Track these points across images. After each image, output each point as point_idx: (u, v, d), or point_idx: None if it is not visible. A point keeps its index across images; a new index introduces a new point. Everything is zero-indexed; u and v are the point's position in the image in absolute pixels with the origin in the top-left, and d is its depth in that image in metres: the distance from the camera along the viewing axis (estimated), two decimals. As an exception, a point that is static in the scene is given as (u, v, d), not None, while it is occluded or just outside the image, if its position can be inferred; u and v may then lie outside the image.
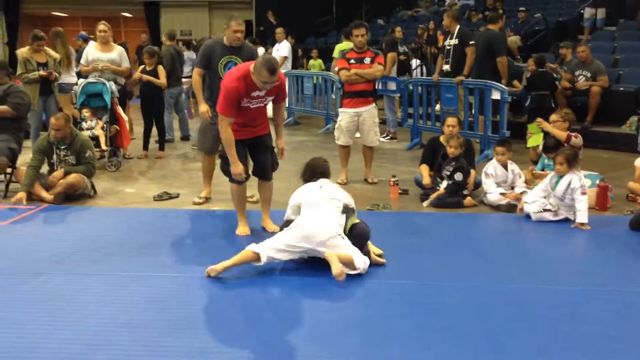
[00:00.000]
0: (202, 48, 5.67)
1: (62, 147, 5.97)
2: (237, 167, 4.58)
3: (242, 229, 4.84)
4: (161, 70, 8.16)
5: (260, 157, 4.88)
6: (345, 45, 12.48)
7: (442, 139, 6.11)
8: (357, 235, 4.12)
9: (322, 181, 4.37)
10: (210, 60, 5.48)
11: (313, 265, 4.07)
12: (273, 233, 4.44)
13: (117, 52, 7.76)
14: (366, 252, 4.06)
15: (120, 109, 7.67)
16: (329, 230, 3.93)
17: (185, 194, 6.14)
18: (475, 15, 15.39)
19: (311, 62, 13.13)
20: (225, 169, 4.74)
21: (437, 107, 8.67)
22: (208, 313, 3.44)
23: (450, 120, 6.11)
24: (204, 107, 5.53)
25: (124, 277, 3.91)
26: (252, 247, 3.95)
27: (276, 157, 4.97)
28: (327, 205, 4.10)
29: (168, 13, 25.74)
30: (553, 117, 6.08)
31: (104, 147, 7.26)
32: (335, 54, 12.28)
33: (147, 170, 7.39)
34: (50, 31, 8.31)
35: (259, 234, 4.80)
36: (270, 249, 3.93)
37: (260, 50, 11.52)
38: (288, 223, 4.23)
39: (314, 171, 4.47)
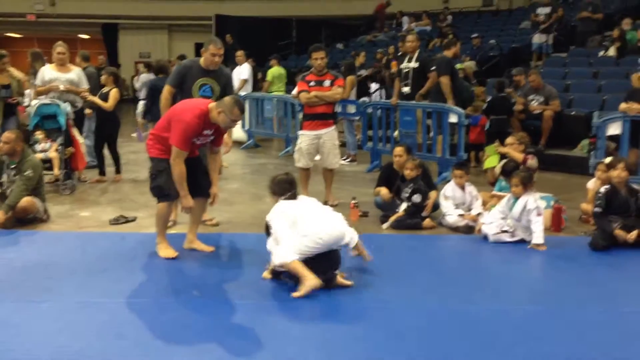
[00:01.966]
0: (177, 67, 5.60)
1: (12, 167, 5.80)
2: (188, 201, 4.59)
3: (167, 251, 4.74)
4: (113, 92, 7.80)
5: (192, 175, 4.81)
6: (276, 70, 12.59)
7: (395, 166, 6.15)
8: (333, 259, 4.10)
9: (303, 197, 4.41)
10: (185, 81, 5.41)
11: (272, 287, 4.02)
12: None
13: (75, 73, 7.62)
14: (331, 276, 4.04)
15: (75, 131, 7.51)
16: (343, 233, 4.16)
17: (143, 217, 6.01)
18: (432, 41, 15.76)
19: (270, 70, 12.77)
20: (157, 189, 4.67)
21: (396, 133, 8.77)
22: (166, 340, 3.34)
23: (398, 150, 6.14)
24: None
25: (78, 304, 3.78)
26: (288, 258, 3.92)
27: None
28: (330, 214, 4.23)
29: (126, 35, 25.54)
30: (509, 140, 6.21)
31: (56, 171, 7.07)
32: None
33: (103, 193, 7.22)
34: (29, 52, 8.18)
35: (189, 255, 4.78)
36: (294, 250, 3.97)
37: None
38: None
39: (292, 184, 4.40)
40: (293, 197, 4.34)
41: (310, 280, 3.89)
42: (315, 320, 3.64)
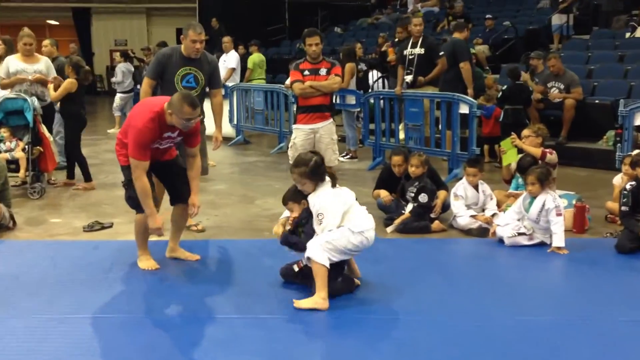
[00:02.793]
0: (157, 56, 5.61)
1: (-25, 170, 5.80)
2: (155, 221, 4.48)
3: (148, 263, 4.71)
4: (65, 83, 7.39)
5: (169, 180, 4.83)
6: (257, 56, 12.61)
7: (396, 173, 6.15)
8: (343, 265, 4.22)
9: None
10: (165, 71, 5.41)
11: (265, 299, 4.03)
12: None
13: (43, 63, 7.62)
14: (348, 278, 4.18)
15: (44, 128, 7.49)
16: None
17: (121, 222, 6.01)
18: (439, 23, 15.78)
19: (251, 57, 12.76)
20: (132, 200, 4.57)
21: (402, 136, 8.75)
22: (146, 358, 3.34)
23: (396, 160, 6.08)
24: None
25: (48, 320, 3.78)
26: (322, 260, 3.89)
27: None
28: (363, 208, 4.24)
29: (100, 20, 25.53)
30: (525, 132, 6.21)
31: (22, 173, 7.06)
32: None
33: (75, 197, 7.22)
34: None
35: (172, 265, 4.78)
36: (332, 252, 3.94)
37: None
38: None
39: (321, 167, 4.22)
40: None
41: (322, 302, 3.88)
42: (320, 337, 3.65)
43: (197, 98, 5.44)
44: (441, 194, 5.91)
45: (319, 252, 3.92)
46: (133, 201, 4.56)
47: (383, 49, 12.75)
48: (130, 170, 4.45)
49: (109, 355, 3.36)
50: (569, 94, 9.05)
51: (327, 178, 4.18)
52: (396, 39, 10.81)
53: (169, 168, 4.73)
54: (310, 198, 4.12)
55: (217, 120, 5.79)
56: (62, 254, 5.09)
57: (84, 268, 4.73)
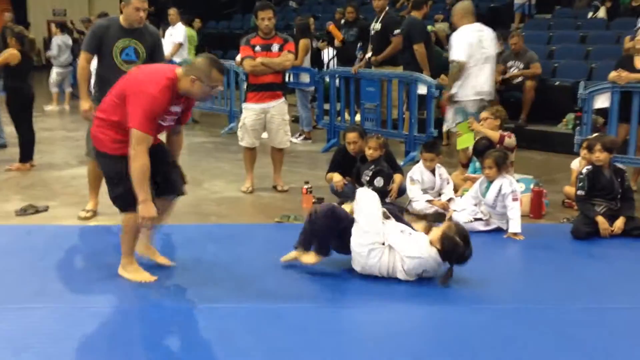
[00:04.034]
0: (92, 28, 5.47)
1: None
2: (149, 209, 3.86)
3: (142, 274, 4.19)
4: (7, 53, 7.17)
5: (160, 168, 4.11)
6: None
7: (351, 152, 6.15)
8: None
9: None
10: (102, 43, 5.27)
11: (219, 286, 4.02)
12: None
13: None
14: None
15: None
16: None
17: (56, 206, 5.91)
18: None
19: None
20: (121, 198, 4.02)
21: (357, 117, 8.78)
22: (79, 353, 3.30)
23: (351, 137, 6.05)
24: (86, 104, 5.34)
25: (-26, 312, 3.69)
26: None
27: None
28: None
29: (37, -12, 24.81)
30: (483, 114, 6.29)
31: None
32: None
33: (8, 179, 7.04)
34: None
35: (111, 253, 4.63)
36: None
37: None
38: None
39: None
40: None
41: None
42: (262, 323, 3.66)
43: None
44: (397, 177, 5.95)
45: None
46: (123, 200, 3.98)
47: (328, 29, 12.71)
48: (117, 160, 3.91)
49: (37, 346, 3.30)
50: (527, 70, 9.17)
51: None
52: (342, 20, 10.76)
53: (161, 154, 4.17)
54: None
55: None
56: (-8, 240, 4.98)
57: (15, 255, 4.63)
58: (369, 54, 8.75)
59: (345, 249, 4.26)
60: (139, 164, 3.79)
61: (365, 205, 4.24)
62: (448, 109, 7.03)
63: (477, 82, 6.61)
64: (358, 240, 4.16)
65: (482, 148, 5.77)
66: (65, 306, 3.81)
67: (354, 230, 4.18)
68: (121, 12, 5.33)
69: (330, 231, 4.25)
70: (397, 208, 5.03)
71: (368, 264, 4.18)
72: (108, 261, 4.47)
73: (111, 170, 4.02)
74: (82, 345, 3.35)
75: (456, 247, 4.07)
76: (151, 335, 3.46)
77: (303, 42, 9.48)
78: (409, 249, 4.14)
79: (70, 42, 13.33)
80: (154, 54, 5.43)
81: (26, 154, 7.50)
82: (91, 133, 4.12)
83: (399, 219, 4.51)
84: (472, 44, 6.57)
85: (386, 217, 4.40)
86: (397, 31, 8.40)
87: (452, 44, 6.73)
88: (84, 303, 3.87)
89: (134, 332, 3.50)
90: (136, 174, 3.81)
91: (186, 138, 9.73)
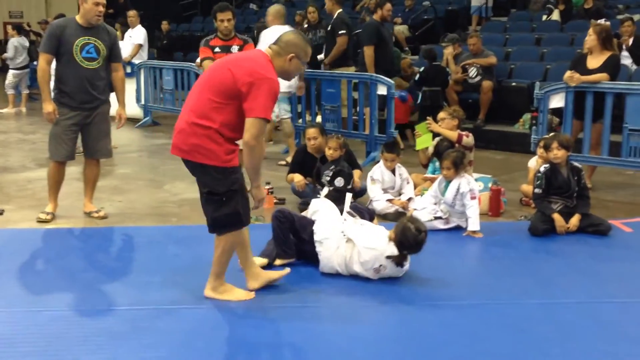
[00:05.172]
0: (49, 29, 5.40)
1: None
2: (261, 191, 3.79)
3: (240, 293, 3.93)
4: None
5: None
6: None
7: (310, 150, 6.17)
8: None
9: None
10: (61, 43, 5.21)
11: (173, 286, 3.97)
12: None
13: None
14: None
15: None
16: None
17: (12, 210, 5.78)
18: (358, 2, 15.90)
19: None
20: (232, 216, 3.72)
21: (319, 118, 8.81)
22: (33, 357, 3.23)
23: (311, 132, 6.09)
24: (49, 106, 5.26)
25: None
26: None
27: None
28: None
29: (-7, -11, 24.30)
30: (441, 114, 6.34)
31: None
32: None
33: (-37, 183, 6.88)
34: None
35: (72, 253, 4.65)
36: None
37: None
38: None
39: None
40: None
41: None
42: (225, 326, 3.63)
43: (99, 72, 5.31)
44: (356, 173, 6.00)
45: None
46: (229, 220, 3.71)
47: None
48: (230, 172, 3.64)
49: (-3, 353, 3.23)
50: (485, 74, 9.29)
51: None
52: (305, 24, 10.83)
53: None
54: None
55: (119, 96, 5.65)
56: (-55, 245, 4.84)
57: (-30, 260, 4.52)
58: (320, 55, 8.85)
59: (308, 254, 4.29)
60: (259, 153, 3.60)
61: (323, 213, 4.33)
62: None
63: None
64: (318, 228, 4.29)
65: (444, 149, 5.80)
66: (21, 310, 3.73)
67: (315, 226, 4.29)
68: (79, 11, 5.27)
69: (284, 232, 4.36)
70: (365, 210, 5.07)
71: (326, 255, 4.25)
72: (66, 264, 4.40)
73: (221, 187, 3.66)
74: (39, 348, 3.28)
75: (407, 231, 4.10)
76: (112, 338, 3.40)
77: (263, 44, 9.48)
78: (366, 239, 4.19)
79: (27, 43, 13.09)
80: (112, 53, 5.41)
81: None
82: (191, 145, 3.62)
83: (363, 217, 4.57)
84: None
85: (352, 215, 4.48)
86: (341, 31, 8.53)
87: (260, 41, 7.57)
88: (41, 306, 3.79)
89: (91, 335, 3.44)
90: (256, 162, 3.62)
91: (146, 140, 9.82)
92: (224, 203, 3.66)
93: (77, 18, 5.28)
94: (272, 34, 7.06)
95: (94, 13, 5.20)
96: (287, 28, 7.21)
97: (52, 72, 5.36)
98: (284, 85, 7.16)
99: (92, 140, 5.48)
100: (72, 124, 5.34)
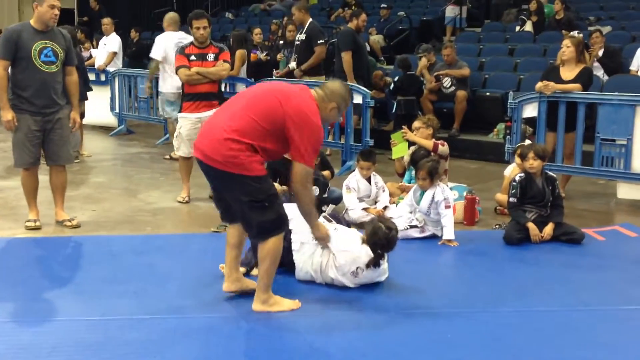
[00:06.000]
0: (4, 34, 5.33)
1: None
2: (322, 229, 4.08)
3: (288, 303, 3.90)
4: None
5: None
6: None
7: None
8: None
9: None
10: (18, 48, 5.15)
11: (144, 297, 3.91)
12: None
13: None
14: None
15: None
16: None
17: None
18: (333, 12, 15.96)
19: None
20: (277, 221, 3.73)
21: None
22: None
23: None
24: (8, 114, 5.18)
25: None
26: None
27: None
28: None
29: (-36, -4, 23.98)
30: (416, 123, 6.37)
31: None
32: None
33: None
34: None
35: (41, 263, 4.57)
36: None
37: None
38: None
39: None
40: None
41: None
42: (191, 336, 3.58)
43: (58, 76, 5.25)
44: (326, 173, 6.10)
45: None
46: (273, 223, 3.70)
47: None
48: (266, 181, 3.69)
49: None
50: (459, 84, 9.35)
51: None
52: (281, 41, 10.94)
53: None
54: None
55: (73, 100, 5.60)
56: None
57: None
58: (292, 64, 8.86)
59: (286, 261, 4.25)
60: (309, 198, 3.80)
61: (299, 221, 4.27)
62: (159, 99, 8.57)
63: (174, 79, 7.36)
64: (295, 235, 4.25)
65: (420, 158, 5.79)
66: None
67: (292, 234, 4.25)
68: (34, 12, 5.24)
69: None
70: (342, 218, 5.07)
71: (302, 260, 4.25)
72: (36, 273, 4.34)
73: (263, 193, 3.65)
74: (7, 359, 3.22)
75: (378, 230, 4.12)
76: (84, 348, 3.34)
77: (240, 53, 9.45)
78: (340, 242, 4.19)
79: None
80: (67, 56, 5.42)
81: None
82: (227, 156, 3.57)
83: (339, 222, 4.59)
84: (169, 48, 7.78)
85: (328, 220, 4.49)
86: (320, 41, 8.57)
87: (154, 44, 8.16)
88: (10, 317, 3.73)
89: (63, 345, 3.37)
90: (307, 208, 3.82)
91: (121, 148, 9.73)
92: (267, 208, 3.67)
93: (32, 22, 5.25)
94: (166, 39, 8.08)
95: (50, 15, 5.19)
96: (181, 34, 8.11)
97: None
98: (171, 87, 8.01)
99: (54, 146, 5.41)
100: (34, 129, 5.27)
